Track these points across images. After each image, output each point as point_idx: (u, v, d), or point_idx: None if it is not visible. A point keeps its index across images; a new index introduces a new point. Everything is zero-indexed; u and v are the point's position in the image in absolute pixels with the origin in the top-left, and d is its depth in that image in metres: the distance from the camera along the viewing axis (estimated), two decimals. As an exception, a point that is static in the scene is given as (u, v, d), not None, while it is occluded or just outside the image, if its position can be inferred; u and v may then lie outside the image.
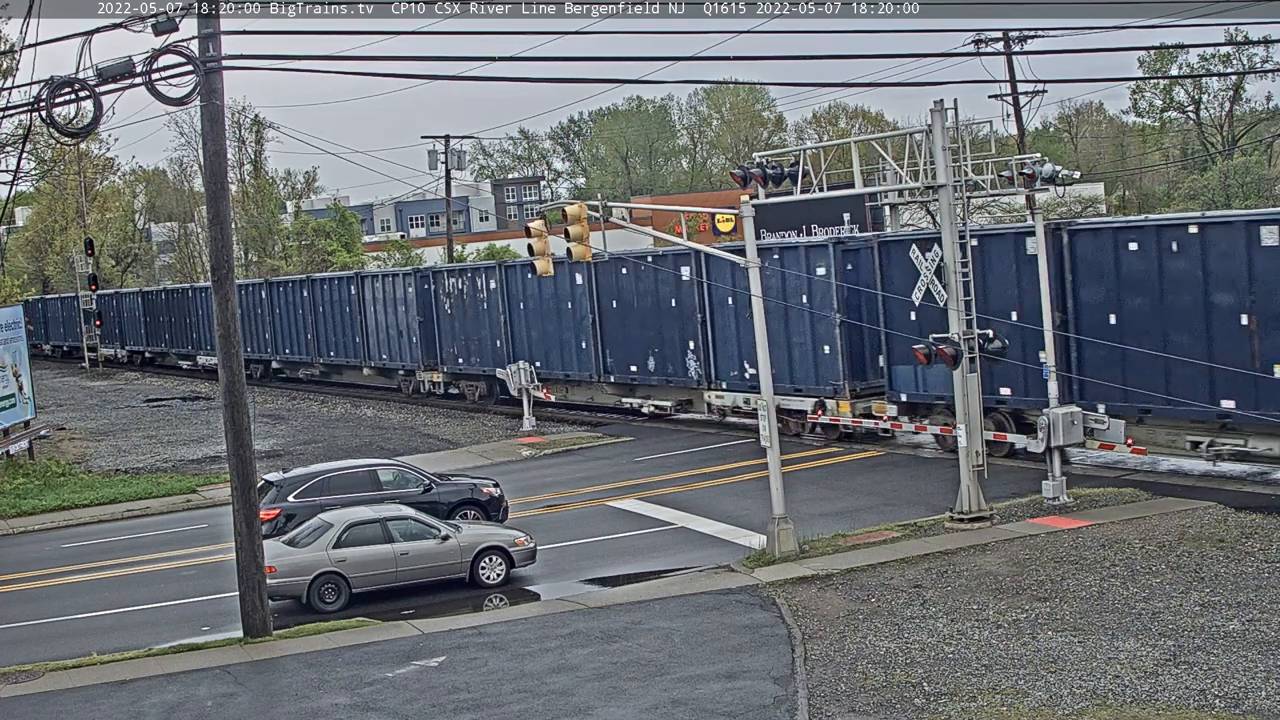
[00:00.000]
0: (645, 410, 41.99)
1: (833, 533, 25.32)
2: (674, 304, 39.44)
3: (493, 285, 46.54)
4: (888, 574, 22.29)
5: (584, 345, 42.83)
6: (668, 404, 40.85)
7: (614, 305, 41.86)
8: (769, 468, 24.29)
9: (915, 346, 25.95)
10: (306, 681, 19.20)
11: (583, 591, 23.56)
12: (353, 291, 54.78)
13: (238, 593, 21.86)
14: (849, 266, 33.96)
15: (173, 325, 73.50)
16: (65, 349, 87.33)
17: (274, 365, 63.57)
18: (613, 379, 42.26)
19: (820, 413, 34.59)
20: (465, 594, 24.12)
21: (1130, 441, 27.92)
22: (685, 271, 38.70)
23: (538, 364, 43.92)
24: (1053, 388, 26.82)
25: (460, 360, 48.89)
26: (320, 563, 23.71)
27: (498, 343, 46.37)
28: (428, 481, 28.40)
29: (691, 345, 38.88)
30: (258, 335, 62.91)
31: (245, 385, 22.13)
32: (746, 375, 36.67)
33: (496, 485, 29.10)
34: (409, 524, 24.55)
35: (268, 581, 22.26)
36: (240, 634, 21.65)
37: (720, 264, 36.19)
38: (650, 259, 40.58)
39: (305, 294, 58.67)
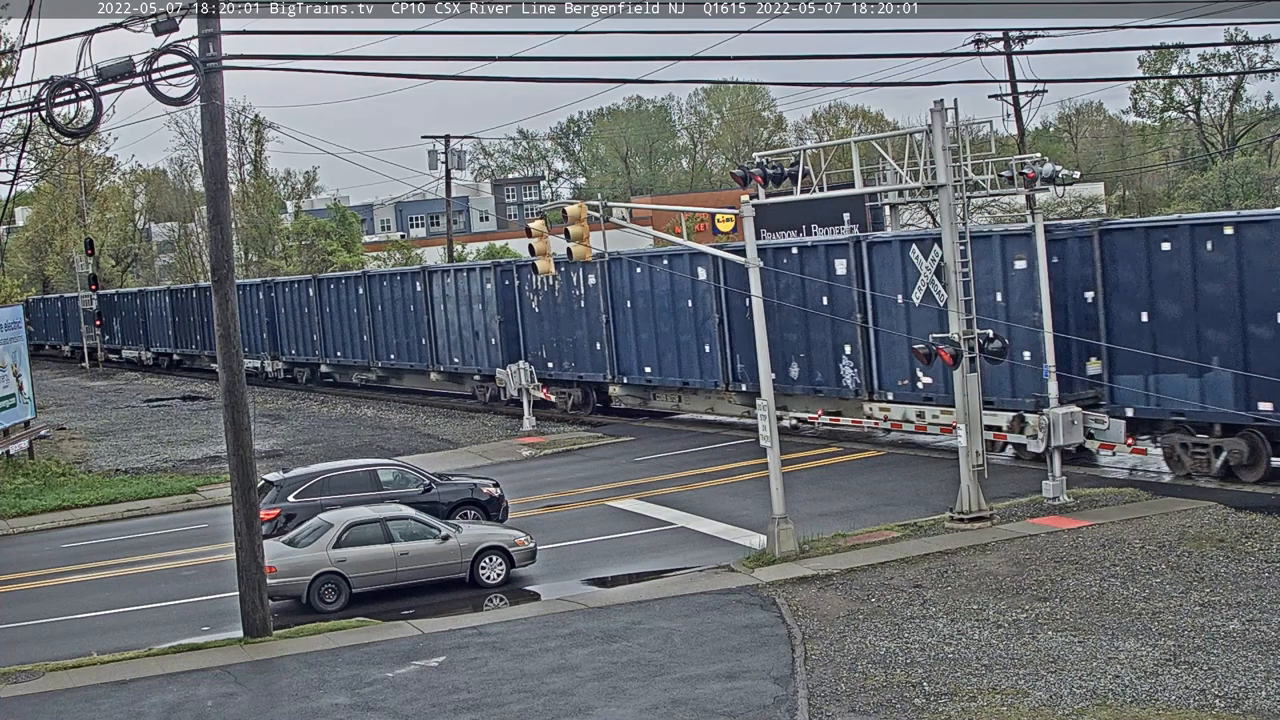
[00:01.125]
0: (785, 423, 35.92)
1: (833, 533, 25.32)
2: (825, 302, 34.46)
3: (591, 281, 42.30)
4: (888, 574, 22.29)
5: (707, 349, 38.46)
6: (814, 416, 35.88)
7: (746, 304, 37.19)
8: (769, 468, 24.29)
9: (915, 346, 25.95)
10: (306, 681, 19.20)
11: (583, 591, 23.56)
12: (418, 288, 50.49)
13: (238, 593, 21.86)
14: (1054, 259, 29.37)
15: (206, 326, 67.02)
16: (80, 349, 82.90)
17: (323, 369, 59.29)
18: (744, 387, 37.15)
19: (1019, 427, 29.57)
20: (465, 594, 24.12)
21: (1130, 441, 27.96)
22: (840, 265, 34.11)
23: (648, 369, 40.69)
24: (1052, 388, 26.82)
25: (550, 365, 44.50)
26: (320, 563, 23.71)
27: (597, 345, 42.31)
28: (428, 481, 28.40)
29: (847, 350, 34.29)
30: (303, 336, 59.13)
31: (245, 385, 22.10)
32: (920, 385, 32.42)
33: (496, 485, 29.10)
34: (409, 524, 24.55)
35: (268, 581, 22.26)
36: (240, 634, 21.65)
37: (888, 257, 32.84)
38: (796, 250, 35.42)
39: (360, 291, 54.40)
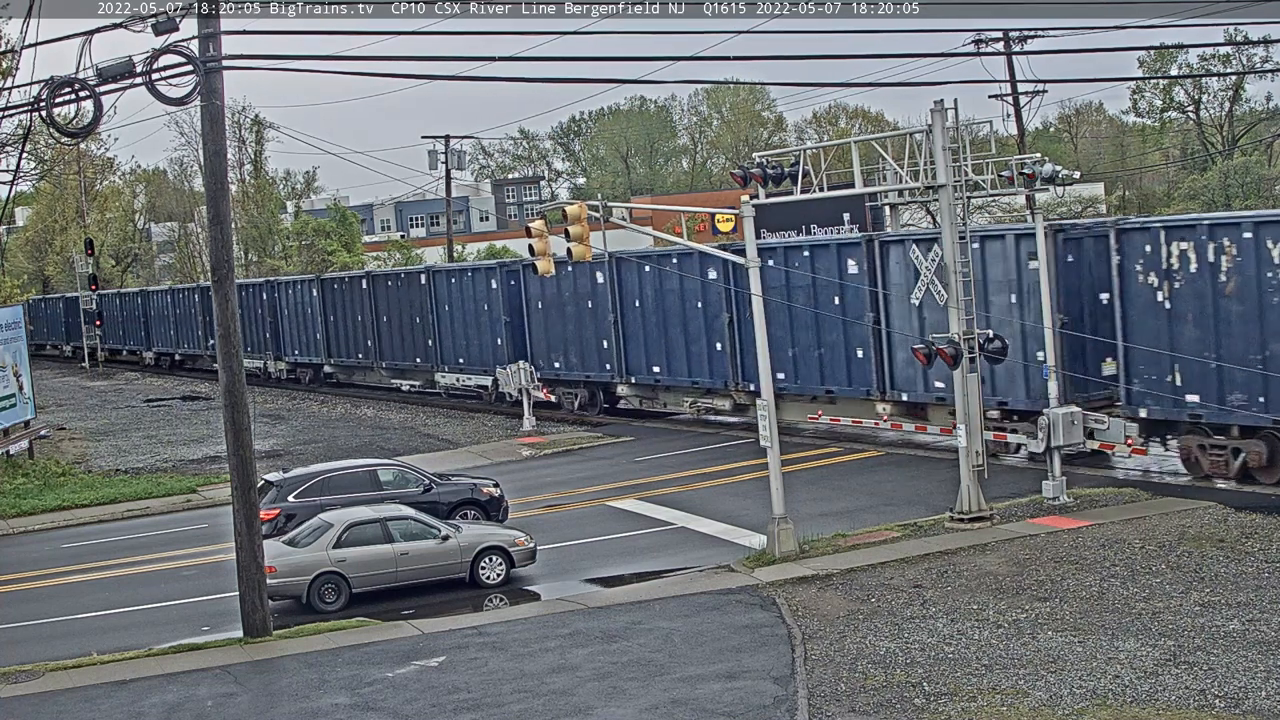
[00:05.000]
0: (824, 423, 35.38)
1: (833, 533, 25.32)
2: (1012, 300, 29.86)
3: (600, 279, 40.96)
4: (888, 574, 22.29)
5: (719, 348, 37.64)
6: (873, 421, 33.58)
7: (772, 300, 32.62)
8: (769, 468, 24.29)
9: (915, 346, 25.95)
10: (306, 681, 19.20)
11: (583, 591, 23.56)
12: (423, 287, 50.14)
13: (238, 593, 21.86)
14: (1069, 258, 29.28)
15: (208, 326, 64.73)
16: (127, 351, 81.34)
17: (326, 370, 58.90)
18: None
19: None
20: (465, 594, 24.12)
21: (1130, 441, 27.95)
22: (852, 264, 32.86)
23: (656, 369, 39.95)
24: (1053, 388, 26.82)
25: (557, 364, 43.62)
26: (320, 563, 23.71)
27: (718, 345, 37.89)
28: (428, 481, 28.40)
29: (859, 351, 33.52)
30: (307, 336, 58.66)
31: (245, 385, 22.11)
32: (935, 384, 30.88)
33: (496, 485, 29.10)
34: (409, 524, 24.55)
35: (268, 581, 22.26)
36: (240, 634, 21.65)
37: (901, 257, 31.94)
38: (979, 240, 30.01)
39: (364, 286, 54.04)
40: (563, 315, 43.72)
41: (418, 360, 50.96)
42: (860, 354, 33.74)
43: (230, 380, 21.85)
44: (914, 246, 31.85)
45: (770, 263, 33.60)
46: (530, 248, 25.66)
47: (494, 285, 46.37)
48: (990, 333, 25.64)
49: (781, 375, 34.80)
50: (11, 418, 41.01)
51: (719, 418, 40.34)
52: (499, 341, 46.22)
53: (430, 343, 49.94)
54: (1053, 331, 27.23)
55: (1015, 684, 16.67)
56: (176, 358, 73.85)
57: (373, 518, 24.49)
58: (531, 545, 24.97)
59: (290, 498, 27.68)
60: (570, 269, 41.68)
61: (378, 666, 19.54)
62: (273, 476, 28.64)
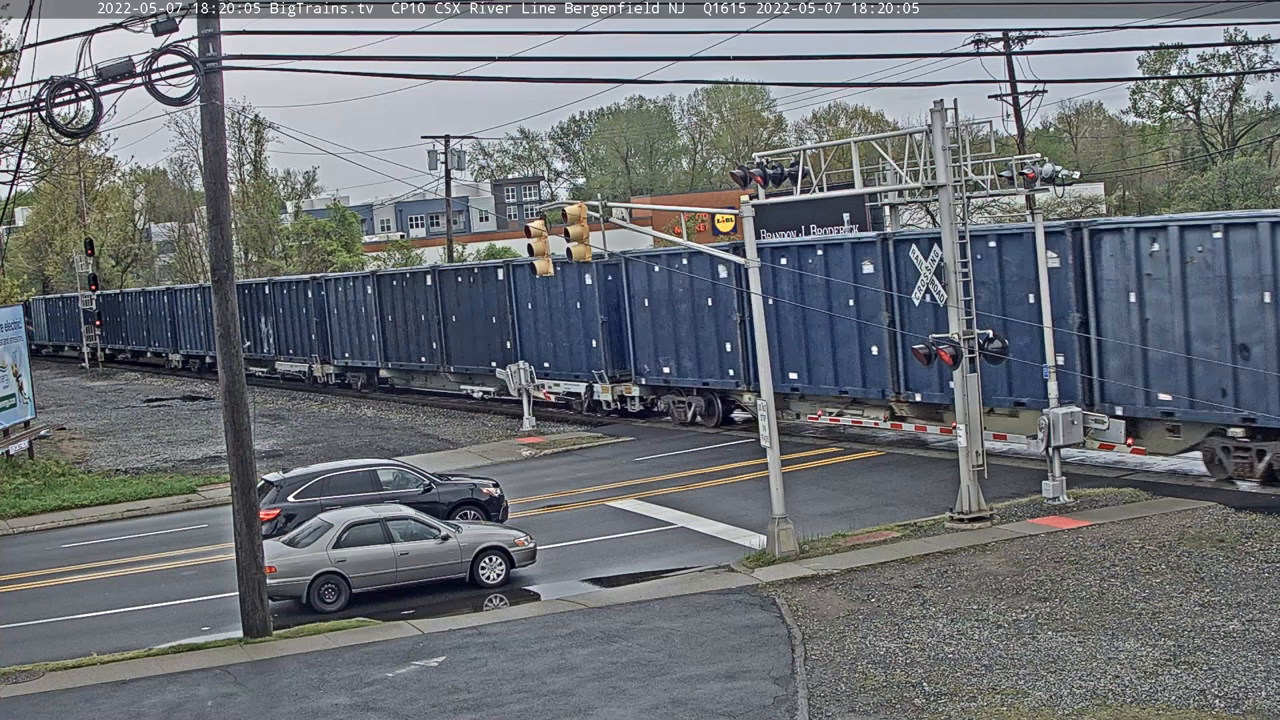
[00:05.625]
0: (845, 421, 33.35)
1: (833, 533, 25.32)
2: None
3: (867, 269, 34.41)
4: (888, 574, 22.29)
5: (874, 352, 33.75)
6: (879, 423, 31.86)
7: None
8: (769, 468, 24.29)
9: (915, 347, 25.94)
10: (306, 681, 19.20)
11: (583, 591, 23.56)
12: (500, 281, 46.05)
13: (238, 593, 21.87)
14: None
15: (246, 327, 62.16)
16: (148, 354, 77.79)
17: (382, 374, 54.67)
18: (918, 398, 31.59)
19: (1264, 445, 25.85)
20: (465, 594, 24.12)
21: (1130, 441, 27.95)
22: (867, 265, 31.29)
23: (793, 375, 35.47)
24: (1052, 388, 26.82)
25: (666, 370, 39.76)
26: (320, 563, 23.71)
27: (874, 350, 33.73)
28: (428, 481, 28.40)
29: (874, 350, 31.91)
30: (360, 338, 54.44)
31: (245, 385, 22.11)
32: (950, 384, 27.69)
33: (496, 485, 29.11)
34: (409, 524, 24.56)
35: (268, 581, 22.26)
36: (240, 634, 21.65)
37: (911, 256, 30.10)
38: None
39: (429, 282, 49.82)
40: (674, 314, 39.42)
41: (493, 364, 46.31)
42: (874, 351, 33.04)
43: (230, 380, 21.85)
44: (913, 246, 31.82)
45: (812, 261, 32.65)
46: (529, 248, 25.70)
47: (588, 280, 41.88)
48: (990, 333, 25.64)
49: (795, 375, 34.11)
50: (11, 418, 41.01)
51: (869, 430, 36.22)
52: (594, 343, 42.09)
53: (509, 345, 45.68)
54: (1052, 331, 27.21)
55: (1015, 684, 16.67)
56: (207, 360, 67.99)
57: (373, 518, 24.49)
58: (531, 545, 24.97)
59: (290, 498, 27.68)
60: (685, 262, 37.82)
61: (378, 666, 19.54)
62: (273, 476, 28.65)
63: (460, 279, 48.81)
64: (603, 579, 24.55)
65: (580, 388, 43.28)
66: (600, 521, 29.04)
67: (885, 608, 20.43)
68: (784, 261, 35.12)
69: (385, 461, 30.99)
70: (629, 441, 39.11)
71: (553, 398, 44.63)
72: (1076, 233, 28.58)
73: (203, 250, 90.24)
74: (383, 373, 54.50)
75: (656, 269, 37.53)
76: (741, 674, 17.82)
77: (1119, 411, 28.12)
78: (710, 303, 37.94)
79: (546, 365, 44.05)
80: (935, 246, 31.27)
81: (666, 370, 40.02)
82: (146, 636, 22.91)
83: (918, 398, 32.45)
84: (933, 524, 25.37)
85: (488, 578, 24.42)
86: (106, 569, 28.48)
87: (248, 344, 62.39)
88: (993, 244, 30.32)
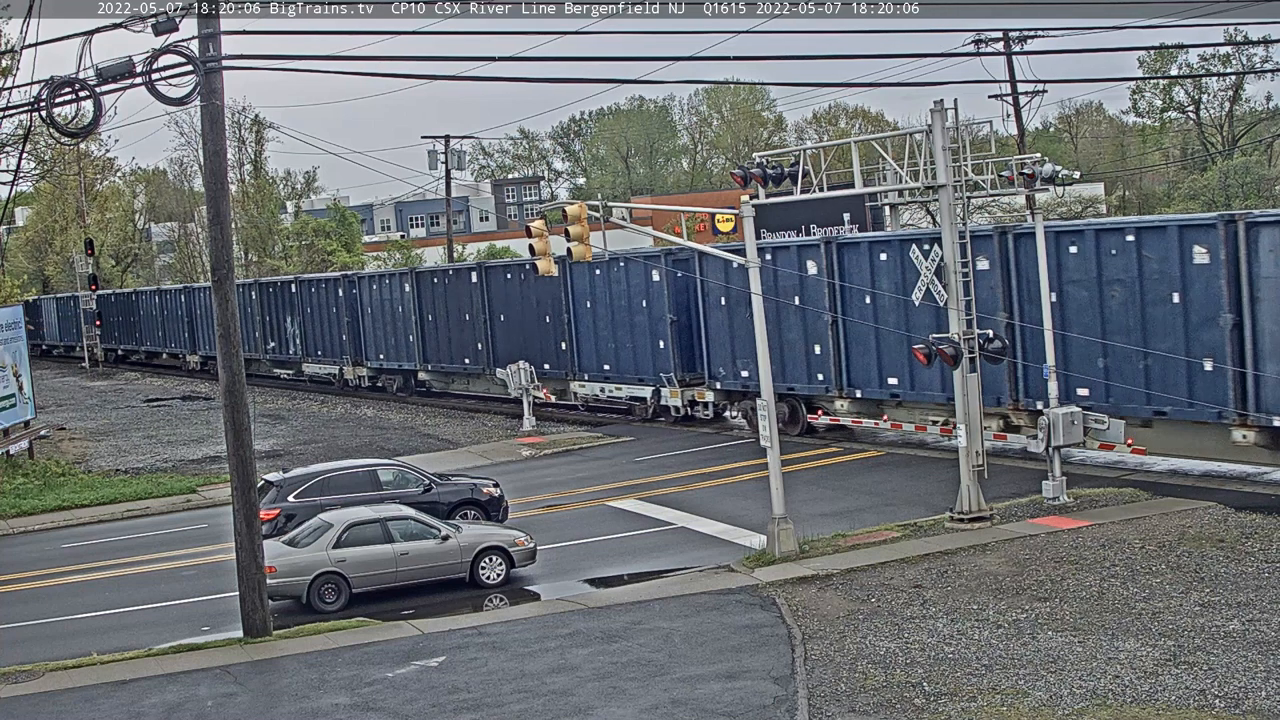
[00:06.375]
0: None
1: (833, 533, 25.32)
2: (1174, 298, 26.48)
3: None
4: (888, 574, 22.29)
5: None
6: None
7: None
8: (769, 468, 24.29)
9: (915, 346, 25.94)
10: (306, 681, 19.21)
11: (583, 591, 23.56)
12: (555, 278, 38.82)
13: (238, 593, 21.87)
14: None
15: (268, 326, 60.65)
16: (166, 355, 75.42)
17: (420, 377, 51.85)
18: (1277, 422, 25.41)
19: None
20: (465, 594, 24.12)
21: (1130, 441, 27.94)
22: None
23: (892, 380, 32.73)
24: (1052, 388, 26.82)
25: (744, 374, 36.67)
26: (320, 563, 23.72)
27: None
28: (428, 481, 28.41)
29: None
30: (397, 339, 51.71)
31: (245, 385, 22.12)
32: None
33: (496, 485, 29.11)
34: (409, 524, 24.56)
35: (268, 581, 22.26)
36: (240, 634, 21.65)
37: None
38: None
39: (474, 279, 47.12)
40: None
41: (546, 367, 43.94)
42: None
43: (230, 380, 21.86)
44: (913, 246, 31.79)
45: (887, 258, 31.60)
46: (530, 248, 25.72)
47: (655, 277, 39.17)
48: (990, 332, 25.63)
49: (895, 380, 32.40)
50: (11, 418, 41.02)
51: (879, 429, 35.17)
52: (661, 344, 39.43)
53: (564, 346, 43.20)
54: (1050, 330, 27.21)
55: (1015, 684, 16.67)
56: None
57: (373, 518, 24.49)
58: (531, 545, 24.97)
59: (290, 498, 27.69)
60: (770, 256, 34.55)
61: (378, 666, 19.54)
62: (273, 476, 28.65)
63: (509, 276, 46.01)
64: (603, 579, 24.55)
65: (645, 392, 40.79)
66: (600, 521, 29.05)
67: (885, 608, 20.43)
68: (883, 257, 32.53)
69: (385, 461, 30.99)
70: (629, 441, 39.10)
71: (609, 401, 42.58)
72: (1230, 225, 25.58)
73: (203, 250, 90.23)
74: (421, 375, 51.67)
75: (735, 264, 31.77)
76: (741, 674, 17.82)
77: (1276, 423, 25.24)
78: (796, 300, 34.95)
79: (606, 368, 41.87)
80: (912, 246, 30.81)
81: (744, 374, 36.78)
82: (146, 636, 22.91)
83: (1038, 406, 28.66)
84: (933, 524, 25.37)
85: (488, 578, 24.42)
86: (106, 569, 28.48)
87: (272, 345, 61.04)
88: (1130, 238, 27.46)
